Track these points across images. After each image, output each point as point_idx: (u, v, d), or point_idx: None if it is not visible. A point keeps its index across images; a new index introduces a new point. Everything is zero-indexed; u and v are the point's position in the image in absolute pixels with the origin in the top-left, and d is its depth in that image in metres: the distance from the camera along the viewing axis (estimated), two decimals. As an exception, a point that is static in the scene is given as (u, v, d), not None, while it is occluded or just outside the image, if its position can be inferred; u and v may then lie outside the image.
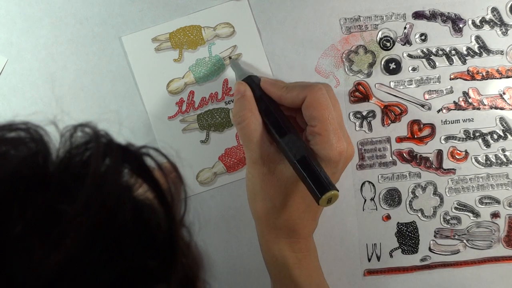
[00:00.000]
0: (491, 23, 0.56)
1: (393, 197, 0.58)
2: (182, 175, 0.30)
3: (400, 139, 0.57)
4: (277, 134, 0.48)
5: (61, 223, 0.24)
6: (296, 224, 0.49)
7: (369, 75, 0.57)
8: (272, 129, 0.48)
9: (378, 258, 0.58)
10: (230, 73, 0.56)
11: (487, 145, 0.57)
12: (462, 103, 0.57)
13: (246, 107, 0.49)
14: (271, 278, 0.52)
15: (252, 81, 0.51)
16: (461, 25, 0.56)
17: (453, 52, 0.56)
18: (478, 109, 0.57)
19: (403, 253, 0.58)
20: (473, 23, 0.56)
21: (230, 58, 0.55)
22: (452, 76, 0.57)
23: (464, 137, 0.57)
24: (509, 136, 0.57)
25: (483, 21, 0.56)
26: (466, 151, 0.57)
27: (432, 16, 0.56)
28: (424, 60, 0.56)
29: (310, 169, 0.44)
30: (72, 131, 0.28)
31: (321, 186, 0.43)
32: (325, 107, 0.47)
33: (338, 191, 0.43)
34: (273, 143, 0.49)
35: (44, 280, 0.23)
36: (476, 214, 0.58)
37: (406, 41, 0.56)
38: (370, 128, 0.57)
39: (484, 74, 0.57)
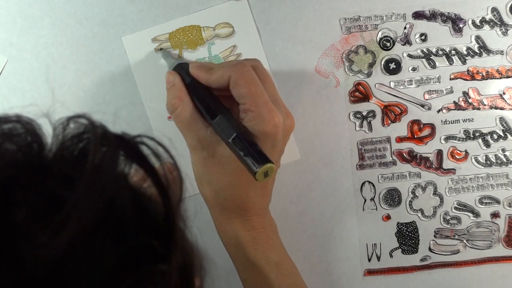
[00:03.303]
0: (491, 23, 0.56)
1: (393, 197, 0.58)
2: (177, 162, 0.31)
3: (400, 139, 0.57)
4: (208, 117, 0.48)
5: (64, 208, 0.25)
6: (245, 203, 0.49)
7: (369, 75, 0.57)
8: (204, 113, 0.48)
9: (378, 258, 0.58)
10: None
11: (487, 145, 0.57)
12: (462, 103, 0.57)
13: (176, 95, 0.49)
14: (231, 258, 0.52)
15: (182, 69, 0.51)
16: (461, 25, 0.56)
17: (453, 52, 0.56)
18: (478, 109, 0.57)
19: (403, 253, 0.58)
20: (473, 23, 0.56)
21: (161, 49, 0.55)
22: (452, 76, 0.57)
23: (464, 137, 0.57)
24: (509, 136, 0.57)
25: (483, 21, 0.56)
26: (466, 151, 0.57)
27: (432, 16, 0.56)
28: (424, 60, 0.56)
29: (242, 147, 0.44)
30: (65, 123, 0.28)
31: (255, 161, 0.44)
32: (250, 82, 0.46)
33: (272, 163, 0.43)
34: (209, 127, 0.49)
35: (51, 260, 0.24)
36: (476, 214, 0.58)
37: (406, 41, 0.56)
38: (370, 128, 0.57)
39: (484, 74, 0.57)
